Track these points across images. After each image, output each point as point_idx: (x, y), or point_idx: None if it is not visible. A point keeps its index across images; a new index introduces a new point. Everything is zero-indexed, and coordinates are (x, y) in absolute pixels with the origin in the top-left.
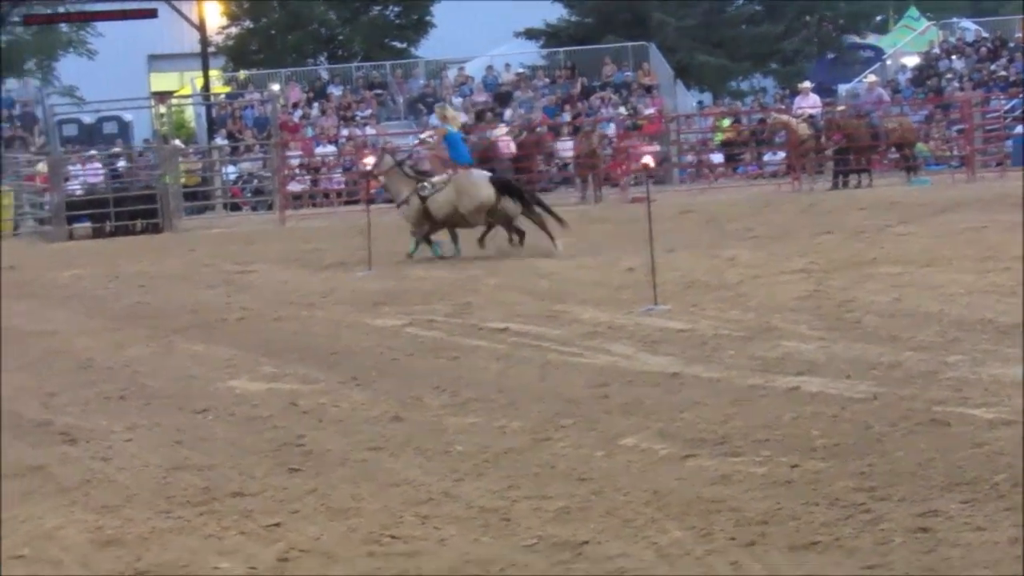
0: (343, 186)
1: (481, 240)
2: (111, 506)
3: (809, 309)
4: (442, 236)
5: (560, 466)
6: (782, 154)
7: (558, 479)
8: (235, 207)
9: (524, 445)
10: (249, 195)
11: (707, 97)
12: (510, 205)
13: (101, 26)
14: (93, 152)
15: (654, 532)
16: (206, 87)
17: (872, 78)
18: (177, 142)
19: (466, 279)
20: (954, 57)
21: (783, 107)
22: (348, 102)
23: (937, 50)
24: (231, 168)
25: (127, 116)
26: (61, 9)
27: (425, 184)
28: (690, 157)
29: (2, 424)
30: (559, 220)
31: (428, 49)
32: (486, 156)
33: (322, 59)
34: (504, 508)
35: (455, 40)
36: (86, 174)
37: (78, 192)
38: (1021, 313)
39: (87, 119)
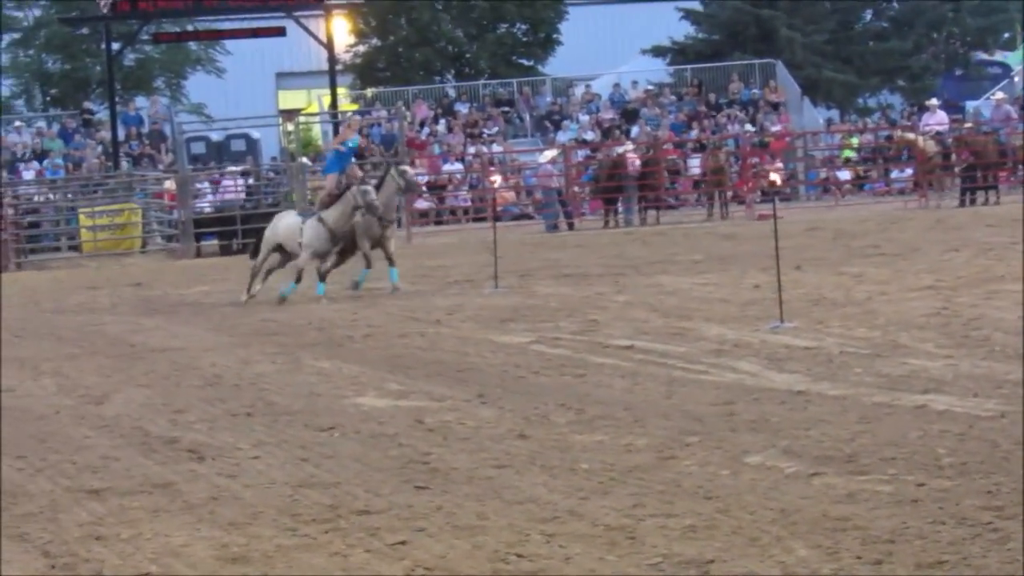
0: (469, 203)
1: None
2: (237, 523)
3: (936, 326)
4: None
5: (686, 484)
6: (909, 171)
7: (684, 497)
8: None
9: (650, 463)
10: None
11: (834, 114)
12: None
13: (229, 44)
14: (231, 168)
15: (780, 551)
16: (333, 104)
17: (1000, 95)
18: (304, 159)
19: (593, 296)
20: None
21: (909, 124)
22: (475, 119)
23: None
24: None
25: (255, 134)
26: (190, 27)
27: None
28: (819, 174)
29: (126, 439)
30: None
31: (555, 66)
32: (613, 173)
33: (449, 76)
34: (630, 526)
35: (582, 57)
36: (217, 191)
37: (206, 209)
38: None
39: (215, 137)
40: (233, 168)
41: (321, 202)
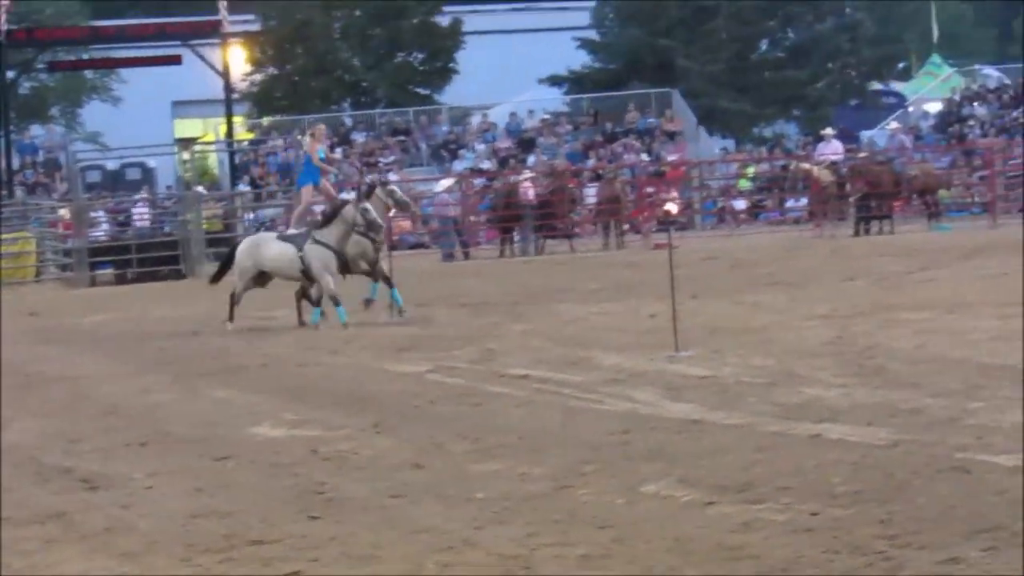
0: None
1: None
2: (132, 553)
3: (832, 355)
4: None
5: (582, 513)
6: (804, 200)
7: (580, 526)
8: None
9: (546, 492)
10: None
11: (730, 143)
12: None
13: (125, 72)
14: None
15: None
16: (230, 133)
17: (895, 124)
18: (200, 188)
19: (490, 325)
20: (976, 104)
21: (805, 153)
22: (372, 148)
23: (959, 97)
24: (254, 214)
25: (151, 162)
26: (86, 56)
27: None
28: (715, 203)
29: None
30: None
31: (452, 95)
32: (509, 202)
33: (346, 105)
34: (525, 556)
35: (479, 87)
36: (111, 220)
37: (101, 238)
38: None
39: (111, 165)
40: (129, 197)
41: (298, 216)
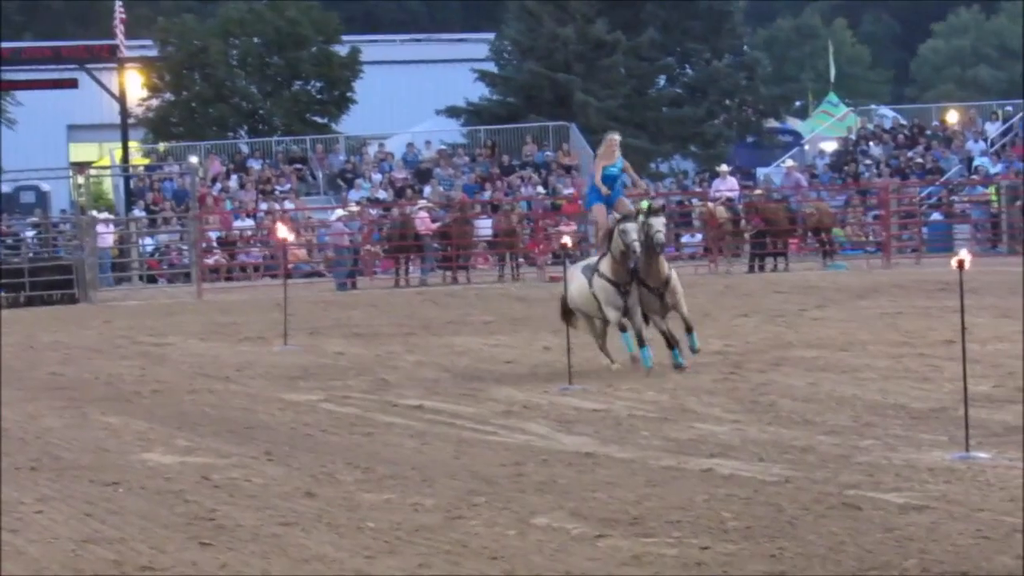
0: (261, 260)
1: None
2: None
3: (724, 391)
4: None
5: (472, 544)
6: (700, 236)
7: (471, 557)
8: (152, 279)
9: (437, 523)
10: (166, 267)
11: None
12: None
13: (21, 95)
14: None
15: None
16: (125, 158)
17: (790, 163)
18: (95, 212)
19: (384, 355)
20: (872, 143)
21: (701, 190)
22: (268, 176)
23: (855, 136)
24: (149, 240)
25: (45, 186)
26: None
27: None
28: None
29: None
30: None
31: (349, 125)
32: (404, 232)
33: (243, 132)
34: None
35: (376, 116)
36: (2, 243)
37: None
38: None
39: (5, 188)
40: (22, 220)
41: (600, 240)
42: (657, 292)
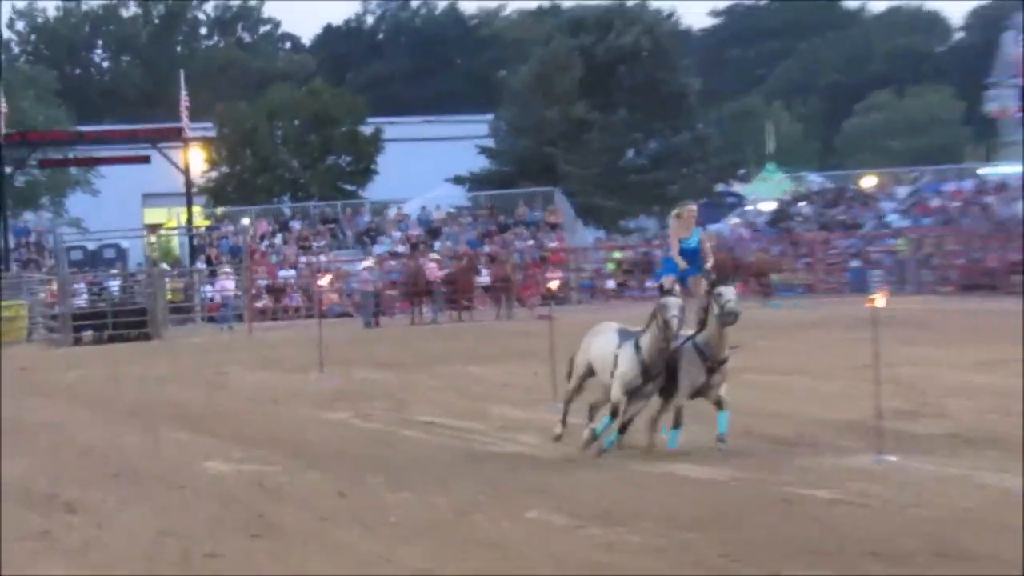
0: (301, 304)
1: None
2: (105, 565)
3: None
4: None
5: (477, 535)
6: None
7: (475, 546)
8: (212, 320)
9: (448, 518)
10: (223, 310)
11: (602, 233)
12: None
13: (104, 169)
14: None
15: None
16: (189, 220)
17: (735, 220)
18: (164, 266)
19: (403, 381)
20: (803, 203)
21: (659, 242)
22: (306, 234)
23: (789, 197)
24: (209, 287)
25: (124, 244)
26: (71, 154)
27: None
28: (590, 282)
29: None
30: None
31: (373, 191)
32: (417, 280)
33: (285, 199)
34: (431, 569)
35: (396, 184)
36: (90, 291)
37: (82, 306)
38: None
39: (90, 246)
40: (105, 272)
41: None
42: (711, 368)
